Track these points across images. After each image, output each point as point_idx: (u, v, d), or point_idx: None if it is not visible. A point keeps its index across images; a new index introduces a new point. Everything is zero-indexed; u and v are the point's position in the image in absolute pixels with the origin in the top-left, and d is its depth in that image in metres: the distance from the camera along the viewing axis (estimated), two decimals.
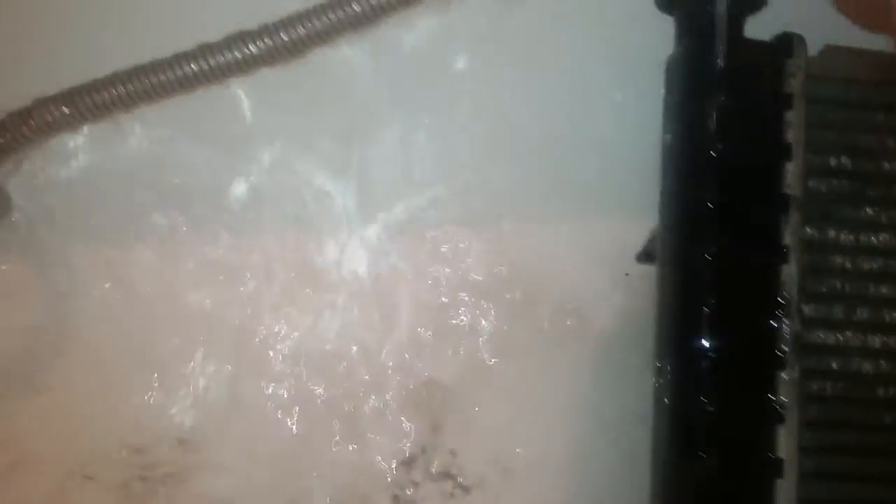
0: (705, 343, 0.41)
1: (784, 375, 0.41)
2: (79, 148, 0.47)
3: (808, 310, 0.44)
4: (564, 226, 0.48)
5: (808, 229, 0.44)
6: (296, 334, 0.47)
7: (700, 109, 0.43)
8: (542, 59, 0.48)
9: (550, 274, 0.48)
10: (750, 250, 0.42)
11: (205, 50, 0.43)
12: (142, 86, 0.43)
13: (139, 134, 0.47)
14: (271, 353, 0.47)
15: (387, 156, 0.48)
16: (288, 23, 0.43)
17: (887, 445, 0.44)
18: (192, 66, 0.43)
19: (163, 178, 0.47)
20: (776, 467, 0.40)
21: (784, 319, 0.41)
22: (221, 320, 0.47)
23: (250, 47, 0.43)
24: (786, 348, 0.41)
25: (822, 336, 0.44)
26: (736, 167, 0.43)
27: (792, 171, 0.42)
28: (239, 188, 0.47)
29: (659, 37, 0.44)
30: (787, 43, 0.43)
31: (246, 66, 0.44)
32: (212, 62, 0.43)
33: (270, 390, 0.47)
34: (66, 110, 0.43)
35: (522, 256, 0.48)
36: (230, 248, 0.46)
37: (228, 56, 0.43)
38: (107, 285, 0.46)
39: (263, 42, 0.43)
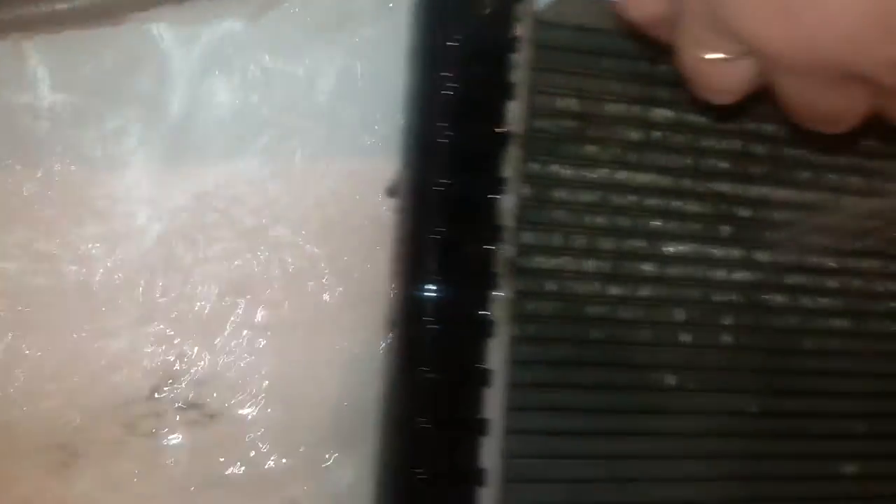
0: (431, 266, 0.45)
1: (498, 295, 0.45)
2: None
3: (530, 237, 0.48)
4: (325, 165, 0.50)
5: (533, 164, 0.48)
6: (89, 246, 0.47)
7: (436, 49, 0.46)
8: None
9: (307, 213, 0.50)
10: (474, 183, 0.46)
11: None
12: None
13: None
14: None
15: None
16: None
17: (595, 357, 0.49)
18: None
19: None
20: (487, 378, 0.44)
21: (502, 245, 0.45)
22: None
23: None
24: (502, 271, 0.45)
25: (540, 261, 0.49)
26: (466, 106, 0.46)
27: (515, 110, 0.46)
28: None
29: None
30: None
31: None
32: None
33: None
34: None
35: (282, 197, 0.50)
36: None
37: None
38: None
39: None
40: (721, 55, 0.33)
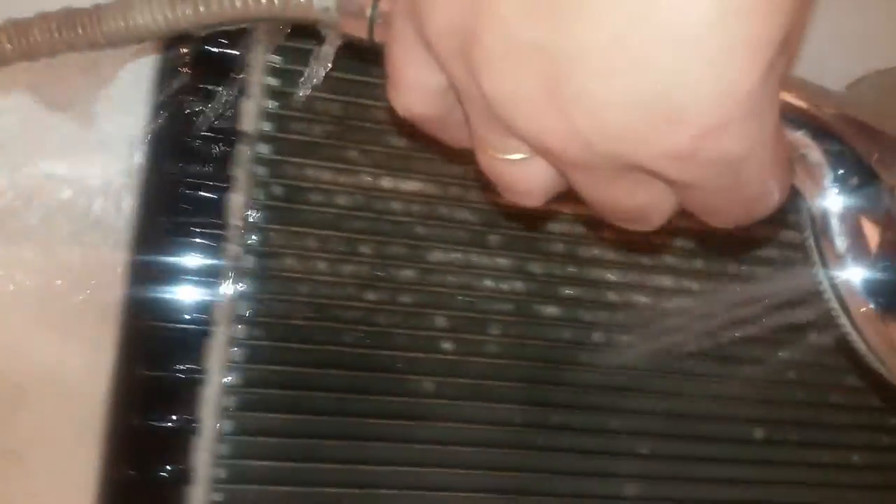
0: (161, 266, 0.45)
1: (220, 296, 0.45)
2: None
3: (281, 239, 0.48)
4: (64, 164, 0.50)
5: (288, 166, 0.48)
6: None
7: (172, 58, 0.46)
8: None
9: (40, 209, 0.50)
10: (206, 182, 0.46)
11: None
12: None
13: None
14: None
15: None
16: None
17: (345, 361, 0.49)
18: None
19: None
20: (200, 380, 0.44)
21: (230, 245, 0.45)
22: None
23: None
24: (227, 271, 0.45)
25: (292, 263, 0.49)
26: (201, 105, 0.46)
27: (249, 110, 0.46)
28: None
29: None
30: None
31: None
32: None
33: None
34: None
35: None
36: None
37: None
38: None
39: None
40: (515, 155, 0.29)
